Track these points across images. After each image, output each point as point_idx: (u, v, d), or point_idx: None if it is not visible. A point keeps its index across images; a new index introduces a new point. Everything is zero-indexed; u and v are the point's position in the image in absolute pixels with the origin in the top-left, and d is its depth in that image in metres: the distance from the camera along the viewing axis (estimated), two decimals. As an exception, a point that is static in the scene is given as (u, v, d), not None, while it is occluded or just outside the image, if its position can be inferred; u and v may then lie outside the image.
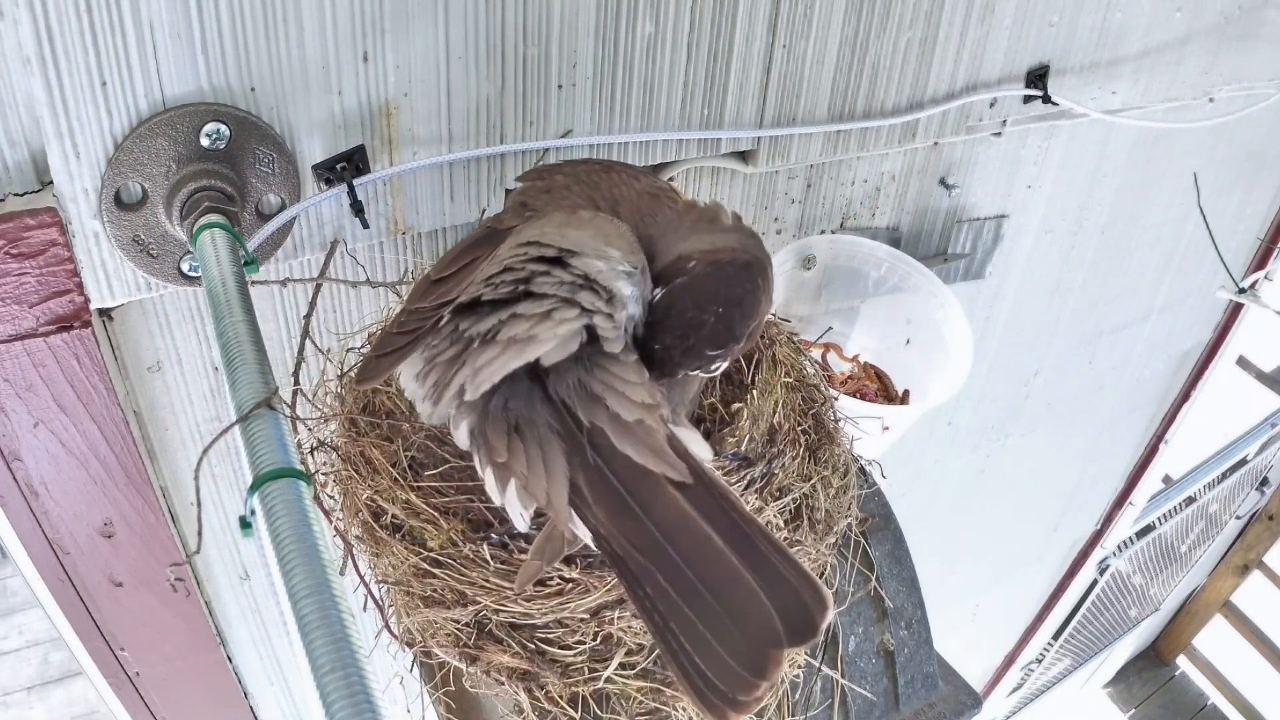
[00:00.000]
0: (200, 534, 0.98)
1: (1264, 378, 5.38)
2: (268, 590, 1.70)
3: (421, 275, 1.00)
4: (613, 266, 0.88)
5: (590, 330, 0.84)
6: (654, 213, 1.00)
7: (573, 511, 0.79)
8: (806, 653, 1.18)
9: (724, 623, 0.72)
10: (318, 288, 1.30)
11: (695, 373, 0.91)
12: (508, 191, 1.38)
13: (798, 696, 1.19)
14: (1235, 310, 3.44)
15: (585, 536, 0.80)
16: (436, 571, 1.04)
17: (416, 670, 1.33)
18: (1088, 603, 5.36)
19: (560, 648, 1.04)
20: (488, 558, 1.02)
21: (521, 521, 0.84)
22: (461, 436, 0.86)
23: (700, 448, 0.84)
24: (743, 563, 0.73)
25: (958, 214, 2.18)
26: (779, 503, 1.08)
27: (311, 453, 1.20)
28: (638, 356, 0.87)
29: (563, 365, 0.83)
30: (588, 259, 0.88)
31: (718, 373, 0.94)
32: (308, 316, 1.26)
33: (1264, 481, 6.22)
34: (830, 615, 0.72)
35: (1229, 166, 2.78)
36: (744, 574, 0.73)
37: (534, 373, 0.84)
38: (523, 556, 0.99)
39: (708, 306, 0.88)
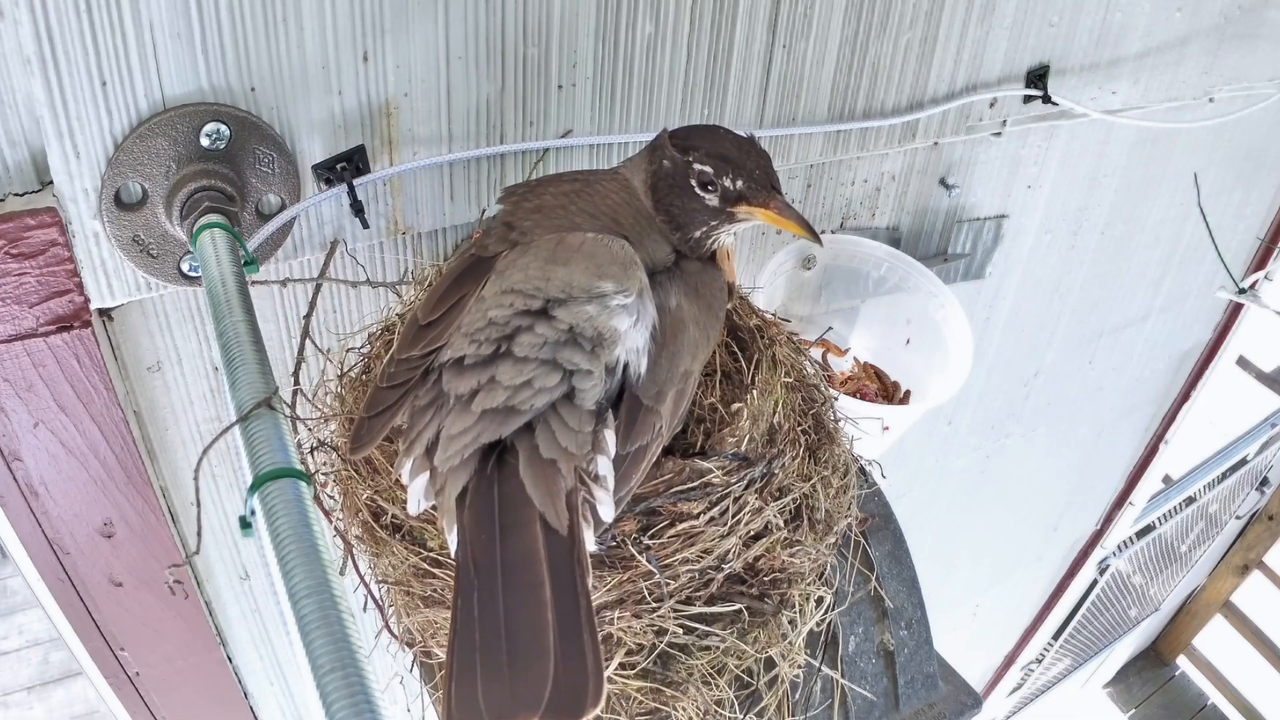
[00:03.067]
0: (200, 534, 0.98)
1: (1264, 378, 5.38)
2: (268, 590, 1.70)
3: (410, 316, 1.01)
4: (605, 304, 0.90)
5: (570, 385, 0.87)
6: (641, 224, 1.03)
7: (455, 509, 0.81)
8: (806, 653, 1.18)
9: (500, 666, 0.71)
10: (318, 288, 1.30)
11: (778, 190, 1.00)
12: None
13: (798, 696, 1.19)
14: (1235, 310, 3.44)
15: (451, 540, 0.81)
16: (436, 571, 1.04)
17: (416, 670, 1.33)
18: (1088, 603, 5.36)
19: (560, 648, 1.03)
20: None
21: (415, 506, 0.87)
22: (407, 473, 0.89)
23: (604, 510, 0.85)
24: (555, 624, 0.73)
25: (958, 214, 2.18)
26: (779, 503, 1.08)
27: (311, 453, 1.20)
28: (606, 410, 0.88)
29: None
30: (576, 306, 0.89)
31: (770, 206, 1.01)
32: (308, 316, 1.26)
33: (1264, 481, 6.21)
34: (599, 708, 0.71)
35: (1229, 166, 2.78)
36: (549, 634, 0.72)
37: None
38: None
39: (741, 141, 1.02)
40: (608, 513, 0.85)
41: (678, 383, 0.95)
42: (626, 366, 0.91)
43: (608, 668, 0.89)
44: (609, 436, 0.87)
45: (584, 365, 0.87)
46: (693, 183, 1.01)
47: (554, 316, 0.89)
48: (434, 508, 0.87)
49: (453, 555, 0.80)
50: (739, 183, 1.00)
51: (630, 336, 0.91)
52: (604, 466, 0.85)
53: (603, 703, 0.71)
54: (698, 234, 1.04)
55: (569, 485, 0.81)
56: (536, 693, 0.69)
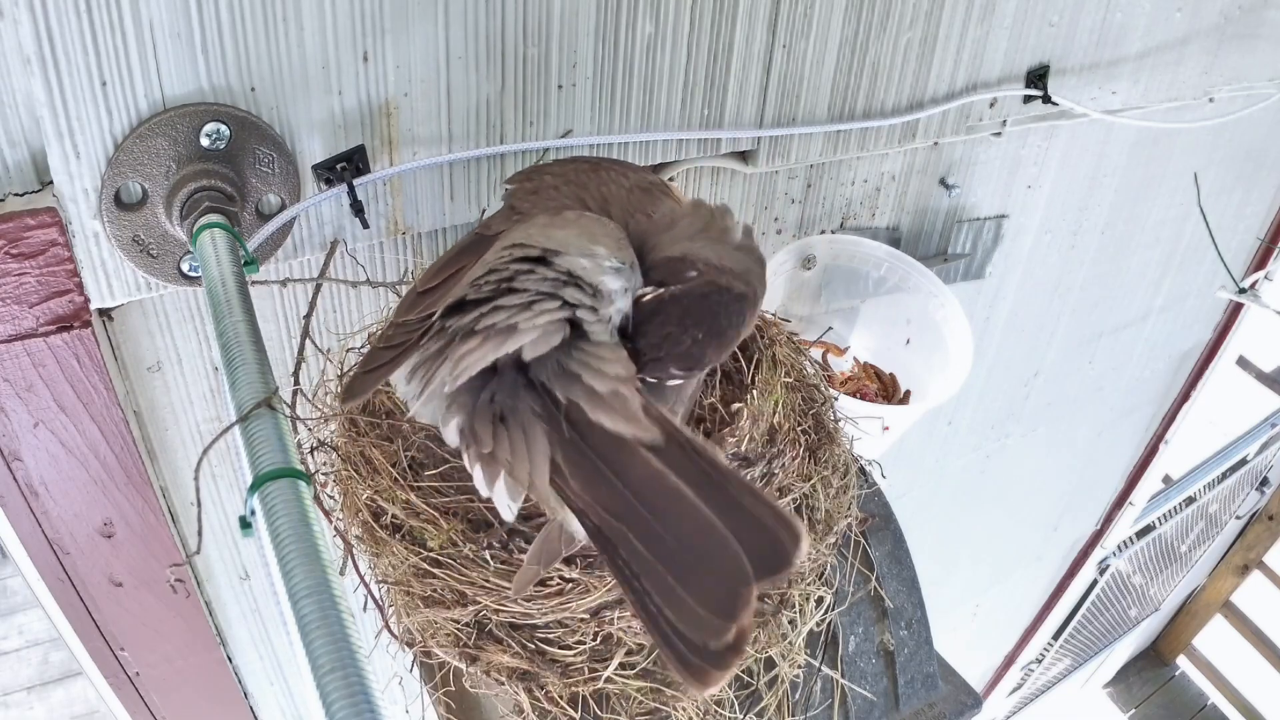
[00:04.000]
0: (200, 534, 0.98)
1: (1264, 378, 5.38)
2: (268, 590, 1.70)
3: (410, 286, 1.00)
4: (598, 263, 0.88)
5: (574, 324, 0.84)
6: (647, 207, 0.99)
7: (554, 492, 0.79)
8: (806, 653, 1.18)
9: (694, 572, 0.71)
10: (318, 288, 1.30)
11: (653, 382, 0.90)
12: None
13: (798, 696, 1.19)
14: (1235, 310, 3.44)
15: (572, 523, 0.80)
16: (436, 571, 1.04)
17: (416, 670, 1.33)
18: (1088, 603, 5.36)
19: (560, 648, 1.04)
20: (488, 558, 1.02)
21: (509, 512, 0.84)
22: (451, 434, 0.86)
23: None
24: (713, 510, 0.73)
25: (958, 214, 2.18)
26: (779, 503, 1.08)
27: (311, 453, 1.20)
28: (618, 342, 0.86)
29: (545, 354, 0.83)
30: (572, 257, 0.88)
31: (669, 384, 0.92)
32: (308, 316, 1.26)
33: (1264, 481, 6.22)
34: (804, 547, 0.71)
35: (1229, 166, 2.78)
36: (714, 521, 0.73)
37: (519, 364, 0.84)
38: (522, 557, 0.99)
39: (690, 329, 0.87)
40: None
41: (686, 404, 0.96)
42: (625, 325, 0.89)
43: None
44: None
45: (586, 302, 0.85)
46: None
47: (552, 263, 0.87)
48: (528, 505, 0.85)
49: (581, 534, 0.78)
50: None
51: (618, 299, 0.90)
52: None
53: (804, 538, 0.71)
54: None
55: (642, 401, 0.80)
56: (740, 569, 0.70)
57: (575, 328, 0.84)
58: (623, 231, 0.97)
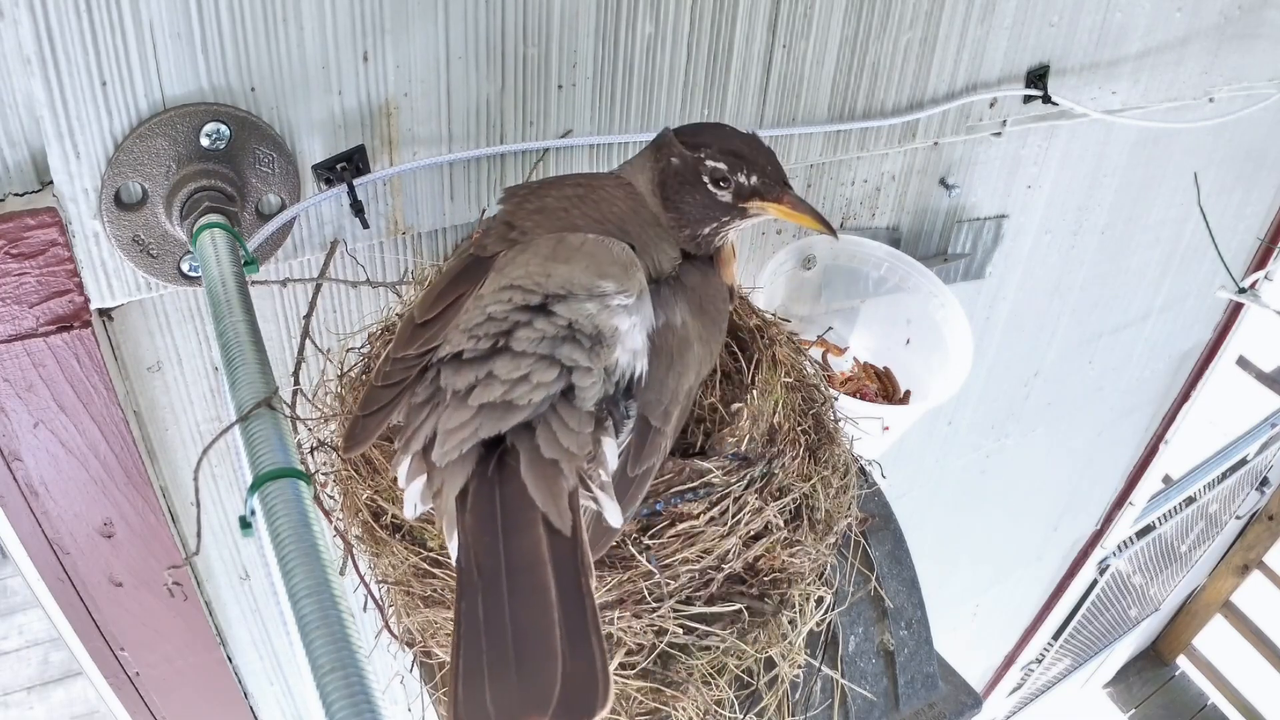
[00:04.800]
0: (200, 534, 0.98)
1: (1264, 378, 5.38)
2: (268, 590, 1.70)
3: (407, 316, 1.00)
4: (605, 304, 0.89)
5: (567, 387, 0.85)
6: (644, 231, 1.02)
7: (455, 512, 0.80)
8: (806, 653, 1.18)
9: (508, 668, 0.70)
10: (318, 288, 1.30)
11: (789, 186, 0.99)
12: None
13: (798, 696, 1.19)
14: (1235, 310, 3.44)
15: (451, 545, 0.80)
16: (436, 571, 1.04)
17: (416, 670, 1.33)
18: (1088, 603, 5.36)
19: (560, 648, 1.03)
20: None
21: (413, 511, 0.85)
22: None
23: (611, 515, 0.84)
24: (562, 625, 0.72)
25: (958, 214, 2.18)
26: (779, 503, 1.08)
27: (311, 453, 1.20)
28: (606, 417, 0.87)
29: None
30: (576, 303, 0.88)
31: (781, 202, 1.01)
32: (308, 316, 1.26)
33: (1264, 481, 6.21)
34: (605, 712, 0.70)
35: (1229, 166, 2.78)
36: (556, 636, 0.72)
37: None
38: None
39: (748, 137, 1.02)
40: (614, 518, 0.84)
41: (682, 401, 0.96)
42: (627, 372, 0.90)
43: (611, 666, 0.88)
44: (609, 445, 0.86)
45: (583, 363, 0.86)
46: (705, 179, 1.01)
47: (553, 312, 0.88)
48: (431, 510, 0.87)
49: (454, 559, 0.79)
50: (753, 178, 1.00)
51: (630, 337, 0.90)
52: (605, 473, 0.84)
53: (611, 703, 0.70)
54: (707, 230, 1.04)
55: (571, 486, 0.80)
56: (545, 693, 0.69)
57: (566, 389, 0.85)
58: (633, 253, 0.97)
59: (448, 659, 1.10)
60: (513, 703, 0.69)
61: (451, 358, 0.88)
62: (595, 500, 0.83)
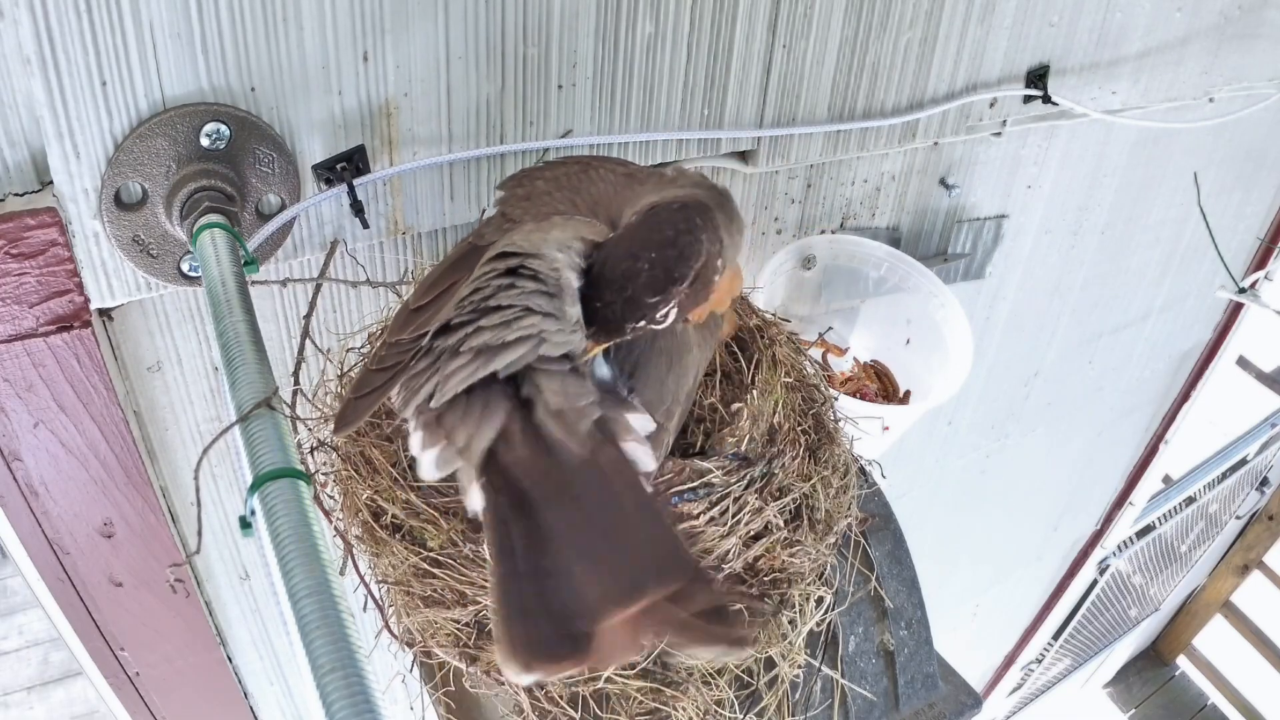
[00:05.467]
0: (200, 534, 0.98)
1: (1264, 378, 5.38)
2: (268, 590, 1.70)
3: (402, 304, 1.00)
4: (570, 257, 0.89)
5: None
6: (633, 197, 0.99)
7: (479, 459, 0.79)
8: (806, 653, 1.18)
9: (601, 560, 0.72)
10: (318, 288, 1.30)
11: (642, 326, 0.88)
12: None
13: (798, 696, 1.19)
14: (1235, 310, 3.43)
15: (470, 495, 0.80)
16: (436, 571, 1.04)
17: (416, 670, 1.33)
18: (1088, 603, 5.36)
19: (560, 648, 1.03)
20: (488, 558, 1.01)
21: (432, 473, 0.83)
22: (410, 413, 0.87)
23: (641, 421, 0.84)
24: (642, 519, 0.75)
25: (958, 214, 2.18)
26: (779, 503, 1.08)
27: (311, 453, 1.20)
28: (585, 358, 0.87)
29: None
30: (548, 255, 0.88)
31: (667, 323, 0.89)
32: (308, 316, 1.26)
33: (1264, 481, 6.21)
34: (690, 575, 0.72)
35: (1229, 166, 2.78)
36: (639, 525, 0.74)
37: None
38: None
39: (640, 253, 0.86)
40: (647, 464, 0.83)
41: (683, 402, 0.96)
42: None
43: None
44: (636, 419, 0.86)
45: (549, 308, 0.85)
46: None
47: (528, 268, 0.88)
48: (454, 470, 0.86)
49: (479, 508, 0.79)
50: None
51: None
52: (638, 431, 0.84)
53: (697, 566, 0.72)
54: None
55: (588, 428, 0.81)
56: (643, 572, 0.71)
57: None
58: (608, 230, 0.97)
59: (444, 659, 1.10)
60: (618, 585, 0.70)
61: (441, 327, 0.88)
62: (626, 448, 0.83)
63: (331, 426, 0.98)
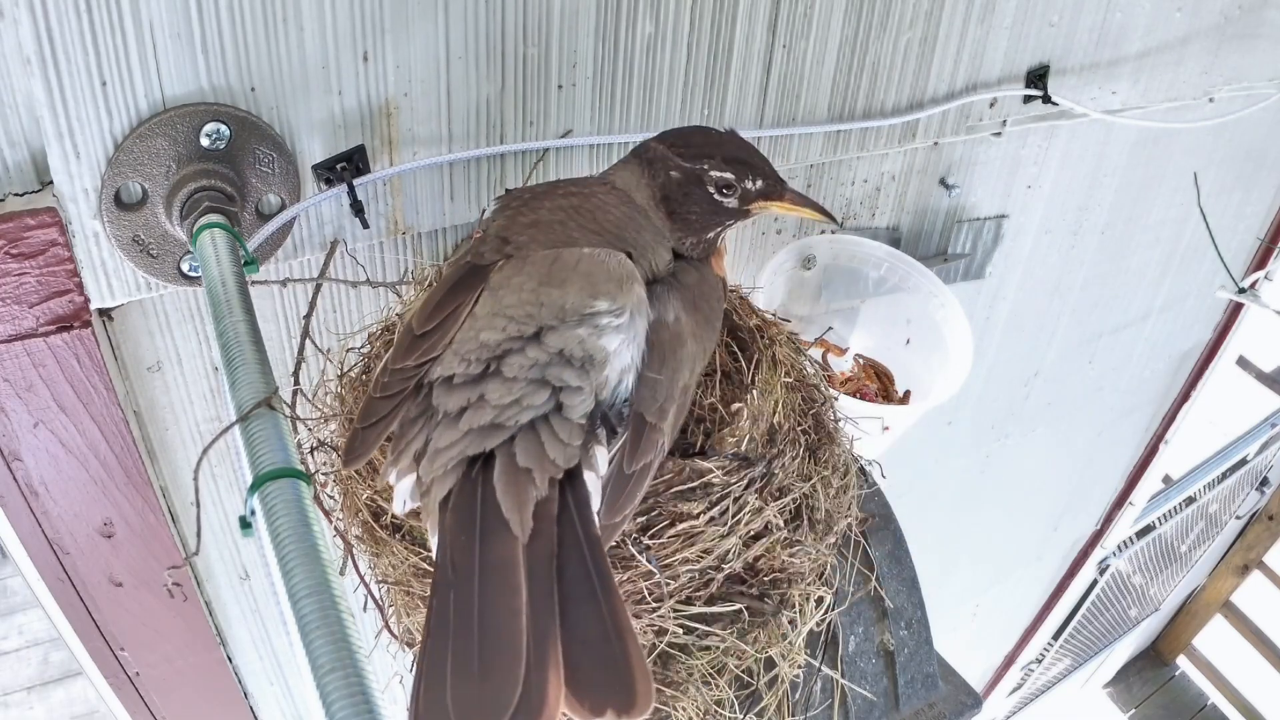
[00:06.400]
0: (200, 534, 0.98)
1: (1264, 378, 5.38)
2: (268, 590, 1.70)
3: (404, 326, 1.00)
4: (596, 325, 0.90)
5: (558, 405, 0.87)
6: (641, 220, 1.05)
7: (438, 512, 0.82)
8: (806, 653, 1.18)
9: (471, 668, 0.70)
10: (318, 288, 1.30)
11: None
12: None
13: (798, 696, 1.19)
14: (1235, 310, 3.43)
15: (431, 542, 0.82)
16: (436, 571, 1.04)
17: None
18: (1088, 603, 5.36)
19: (560, 648, 1.03)
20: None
21: (401, 506, 0.89)
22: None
23: (601, 455, 0.86)
24: (530, 630, 0.72)
25: (958, 214, 2.18)
26: (779, 503, 1.08)
27: (311, 453, 1.20)
28: (598, 426, 0.89)
29: None
30: (567, 329, 0.90)
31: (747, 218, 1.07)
32: (308, 316, 1.26)
33: (1264, 481, 6.21)
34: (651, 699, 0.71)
35: (1229, 166, 2.78)
36: (522, 639, 0.71)
37: None
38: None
39: (743, 144, 1.05)
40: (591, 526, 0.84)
41: (678, 398, 0.96)
42: (618, 387, 0.92)
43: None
44: (600, 454, 0.87)
45: (573, 382, 0.88)
46: (710, 190, 1.05)
47: (544, 341, 0.90)
48: (419, 508, 0.88)
49: (434, 558, 0.80)
50: (758, 182, 1.05)
51: (620, 355, 0.91)
52: (591, 483, 0.85)
53: (561, 709, 0.70)
54: (711, 235, 1.08)
55: (541, 495, 0.81)
56: (506, 696, 0.69)
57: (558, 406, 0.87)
58: (631, 264, 0.97)
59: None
60: (473, 703, 0.69)
61: (443, 380, 0.90)
62: (570, 508, 0.83)
63: (342, 459, 1.00)
